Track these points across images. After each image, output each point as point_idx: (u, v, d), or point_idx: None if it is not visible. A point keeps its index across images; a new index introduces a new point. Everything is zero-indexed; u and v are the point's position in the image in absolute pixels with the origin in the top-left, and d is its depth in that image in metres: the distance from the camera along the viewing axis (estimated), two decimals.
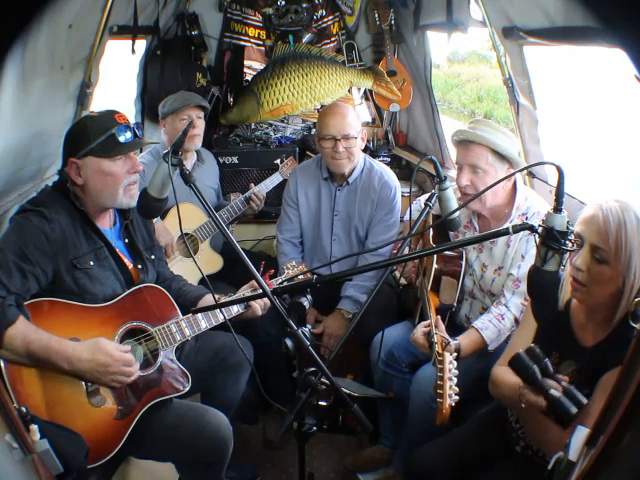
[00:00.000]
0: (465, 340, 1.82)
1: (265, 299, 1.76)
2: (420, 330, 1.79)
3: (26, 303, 1.48)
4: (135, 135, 1.64)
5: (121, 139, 1.59)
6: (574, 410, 1.19)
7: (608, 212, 1.26)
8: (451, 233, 2.05)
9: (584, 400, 1.21)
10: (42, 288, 1.51)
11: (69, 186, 1.61)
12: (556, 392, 1.23)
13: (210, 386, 1.96)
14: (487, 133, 1.82)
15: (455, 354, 1.56)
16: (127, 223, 1.76)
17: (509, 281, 1.88)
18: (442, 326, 1.79)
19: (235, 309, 1.80)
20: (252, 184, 2.75)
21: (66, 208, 1.59)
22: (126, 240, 1.76)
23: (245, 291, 1.83)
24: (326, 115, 2.32)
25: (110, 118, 1.61)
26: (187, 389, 1.69)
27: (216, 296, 1.62)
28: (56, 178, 1.68)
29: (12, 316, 1.40)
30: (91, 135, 1.57)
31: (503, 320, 1.85)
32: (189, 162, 2.54)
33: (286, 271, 1.97)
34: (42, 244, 1.50)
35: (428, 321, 1.79)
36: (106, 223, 1.71)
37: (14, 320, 1.40)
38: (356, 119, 2.31)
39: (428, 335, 1.74)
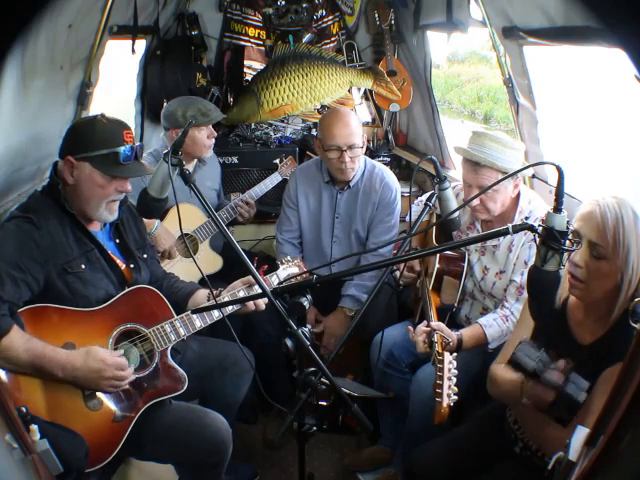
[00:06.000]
0: (467, 333, 1.83)
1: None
2: (421, 335, 1.77)
3: (20, 310, 1.47)
4: (136, 157, 1.63)
5: (122, 160, 1.57)
6: (582, 396, 1.20)
7: (605, 208, 1.27)
8: (454, 234, 2.05)
9: (586, 384, 1.22)
10: (35, 295, 1.51)
11: (60, 188, 1.59)
12: (561, 382, 1.23)
13: (211, 392, 1.96)
14: (495, 152, 1.81)
15: (455, 354, 1.56)
16: (117, 223, 1.75)
17: (512, 288, 1.89)
18: (443, 325, 1.78)
19: (230, 307, 1.79)
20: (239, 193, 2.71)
21: (55, 213, 1.58)
22: (117, 240, 1.76)
23: (239, 287, 1.82)
24: (330, 124, 2.27)
25: (119, 133, 1.59)
26: (184, 389, 1.69)
27: (211, 292, 1.62)
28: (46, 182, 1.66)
29: (6, 326, 1.40)
30: (96, 143, 1.55)
31: (507, 322, 1.86)
32: (191, 163, 2.53)
33: (281, 266, 1.95)
34: (32, 251, 1.49)
35: (427, 328, 1.78)
36: (97, 225, 1.70)
37: (8, 330, 1.40)
38: (359, 126, 2.30)
39: (428, 336, 1.74)
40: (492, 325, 1.85)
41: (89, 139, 1.56)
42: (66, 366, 1.46)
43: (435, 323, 1.76)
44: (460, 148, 1.90)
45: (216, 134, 2.48)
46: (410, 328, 1.82)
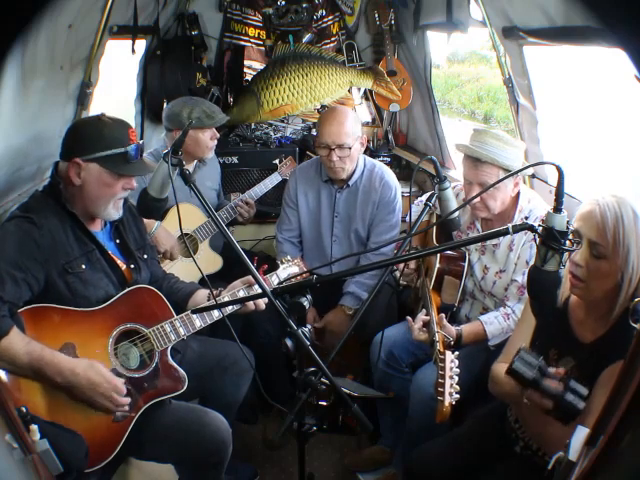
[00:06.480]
0: (467, 329, 1.85)
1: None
2: (417, 323, 1.78)
3: (20, 310, 1.47)
4: (140, 155, 1.64)
5: (131, 159, 1.59)
6: (581, 405, 1.19)
7: (605, 207, 1.27)
8: (454, 233, 2.06)
9: (585, 390, 1.22)
10: (35, 295, 1.51)
11: (61, 188, 1.60)
12: (559, 390, 1.23)
13: (210, 392, 1.96)
14: (496, 149, 1.81)
15: (457, 353, 1.56)
16: (118, 223, 1.75)
17: (513, 288, 1.89)
18: (444, 321, 1.78)
19: (230, 307, 1.79)
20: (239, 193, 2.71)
21: (56, 212, 1.58)
22: (117, 241, 1.76)
23: (238, 287, 1.82)
24: (323, 122, 2.29)
25: (125, 132, 1.60)
26: (184, 389, 1.69)
27: (211, 292, 1.62)
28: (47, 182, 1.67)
29: (6, 327, 1.40)
30: (106, 143, 1.56)
31: (508, 320, 1.86)
32: (191, 164, 2.53)
33: (281, 266, 1.95)
34: (32, 251, 1.49)
35: (426, 317, 1.79)
36: (97, 225, 1.71)
37: (7, 331, 1.40)
38: (353, 126, 2.26)
39: (427, 328, 1.74)
40: (493, 322, 1.86)
41: (97, 140, 1.56)
42: (65, 372, 1.45)
43: (436, 316, 1.76)
44: (461, 145, 1.90)
45: (218, 135, 2.48)
46: (409, 318, 1.83)
